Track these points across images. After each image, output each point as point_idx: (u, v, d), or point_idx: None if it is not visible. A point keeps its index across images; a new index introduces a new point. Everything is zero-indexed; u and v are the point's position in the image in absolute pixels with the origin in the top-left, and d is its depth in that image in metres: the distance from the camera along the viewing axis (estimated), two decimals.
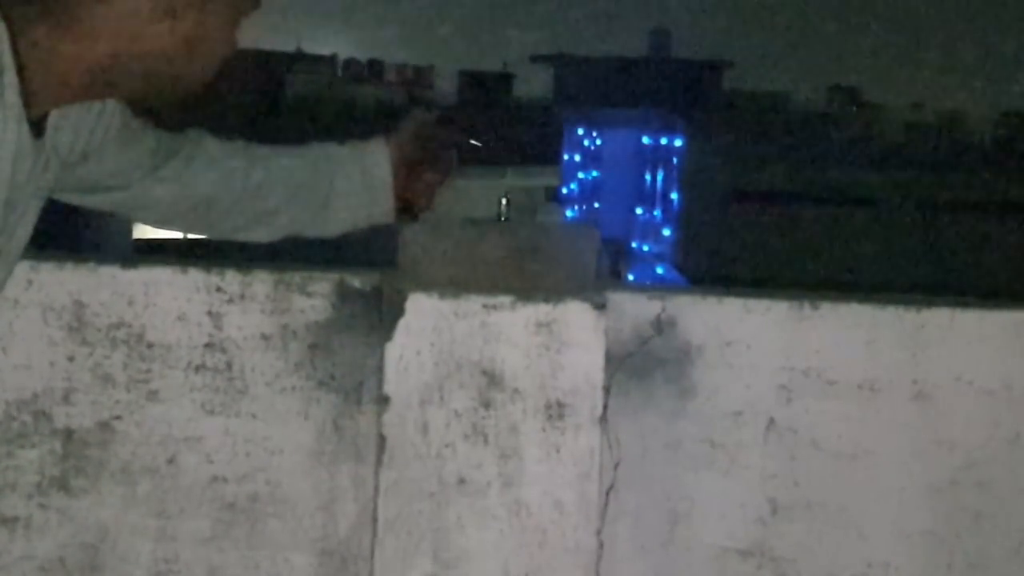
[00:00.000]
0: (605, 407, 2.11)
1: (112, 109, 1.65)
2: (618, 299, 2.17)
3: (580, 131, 33.08)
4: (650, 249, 28.93)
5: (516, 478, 2.07)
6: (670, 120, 29.47)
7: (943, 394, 2.21)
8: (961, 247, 25.24)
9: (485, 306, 2.07)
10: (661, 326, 2.20)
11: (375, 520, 2.10)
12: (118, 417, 2.19)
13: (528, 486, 2.08)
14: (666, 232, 28.28)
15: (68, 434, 2.19)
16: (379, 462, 2.08)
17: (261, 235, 1.99)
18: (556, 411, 2.07)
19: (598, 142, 32.15)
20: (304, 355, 2.20)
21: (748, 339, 2.20)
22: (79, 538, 2.21)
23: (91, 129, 1.62)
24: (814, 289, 2.37)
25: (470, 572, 2.08)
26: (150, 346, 2.19)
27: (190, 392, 2.19)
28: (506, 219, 2.25)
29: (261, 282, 2.19)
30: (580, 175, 33.11)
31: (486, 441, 2.07)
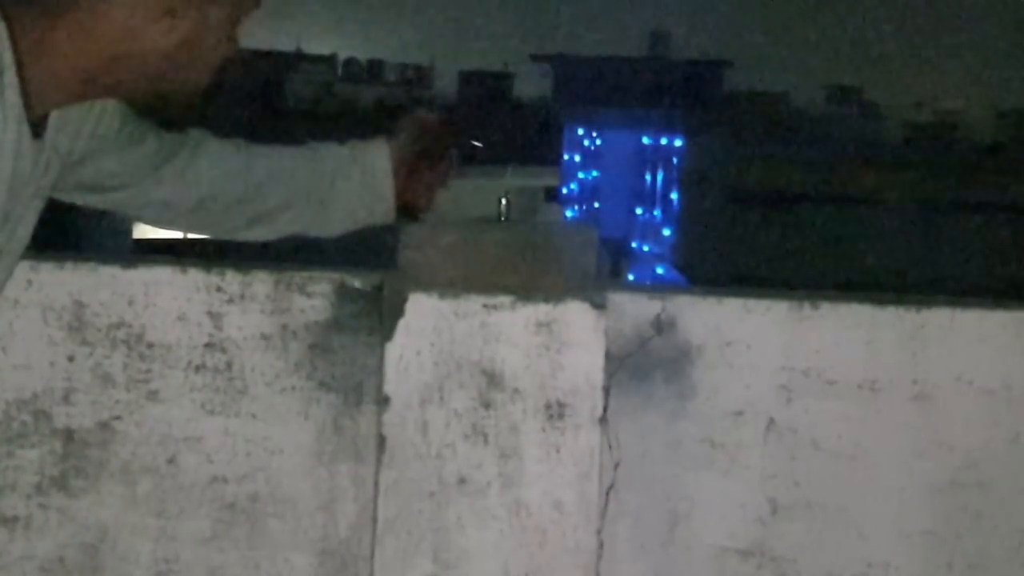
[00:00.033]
0: (605, 407, 2.11)
1: (113, 109, 1.65)
2: (618, 299, 2.17)
3: (580, 131, 33.09)
4: (650, 249, 28.93)
5: (516, 478, 2.07)
6: (670, 120, 29.47)
7: (943, 394, 2.21)
8: (961, 247, 25.24)
9: (485, 306, 2.07)
10: (661, 326, 2.20)
11: (375, 520, 2.10)
12: (118, 417, 2.19)
13: (528, 486, 2.08)
14: (666, 232, 28.28)
15: (68, 434, 2.19)
16: (379, 462, 2.08)
17: (261, 235, 1.99)
18: (556, 411, 2.07)
19: (598, 142, 32.16)
20: (304, 355, 2.20)
21: (748, 339, 2.20)
22: (79, 538, 2.21)
23: (92, 129, 1.62)
24: (814, 289, 2.37)
25: (470, 572, 2.09)
26: (150, 346, 2.19)
27: (190, 392, 2.19)
28: (506, 219, 2.24)
29: (261, 282, 2.19)
30: (580, 175, 33.12)
31: (486, 441, 2.07)
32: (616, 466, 2.19)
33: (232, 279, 2.19)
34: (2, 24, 1.41)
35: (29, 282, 2.16)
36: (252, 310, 2.19)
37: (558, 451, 2.07)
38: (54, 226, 1.88)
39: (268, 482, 2.21)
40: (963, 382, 2.20)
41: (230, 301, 2.19)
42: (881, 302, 2.23)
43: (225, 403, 2.20)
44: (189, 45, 1.49)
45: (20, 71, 1.42)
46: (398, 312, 2.07)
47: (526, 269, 2.13)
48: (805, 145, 29.00)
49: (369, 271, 2.22)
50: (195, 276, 2.19)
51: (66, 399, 2.19)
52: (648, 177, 29.93)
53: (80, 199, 1.76)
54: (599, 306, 2.07)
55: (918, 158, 28.88)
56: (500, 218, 2.23)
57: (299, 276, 2.20)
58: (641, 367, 2.19)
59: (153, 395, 2.19)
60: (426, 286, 2.08)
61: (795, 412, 2.20)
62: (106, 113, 1.64)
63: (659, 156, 29.30)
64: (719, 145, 27.73)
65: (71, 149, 1.59)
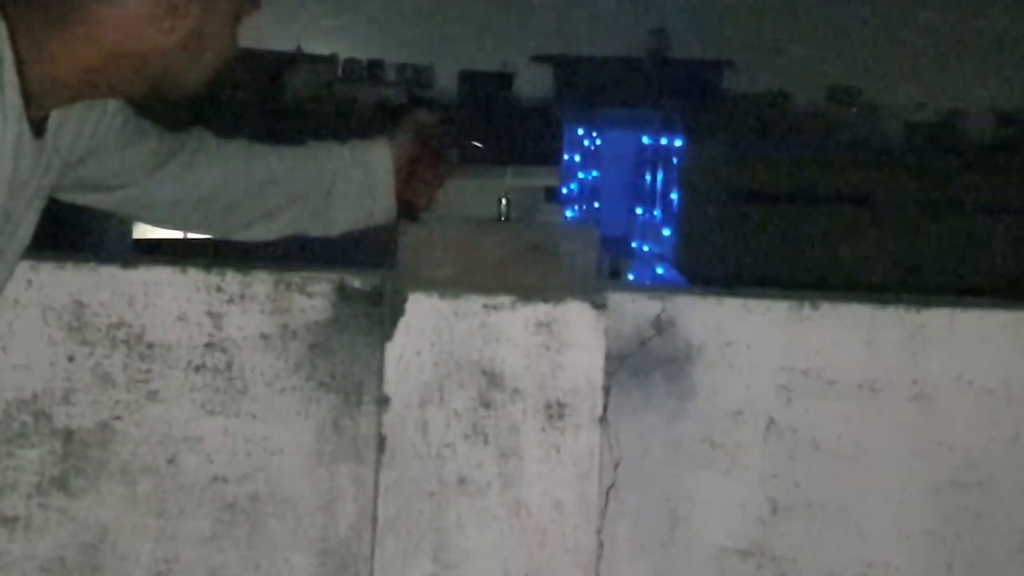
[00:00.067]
0: (605, 407, 2.11)
1: (114, 108, 1.65)
2: (618, 299, 2.17)
3: (580, 131, 33.07)
4: (650, 249, 28.91)
5: (516, 478, 2.07)
6: (670, 120, 29.46)
7: (943, 394, 2.21)
8: (960, 247, 25.23)
9: (485, 306, 2.07)
10: (661, 326, 2.20)
11: (375, 520, 2.10)
12: (118, 417, 2.19)
13: (528, 486, 2.08)
14: (666, 232, 28.27)
15: (68, 434, 2.19)
16: (379, 462, 2.08)
17: (262, 234, 2.00)
18: (556, 411, 2.07)
19: (598, 142, 32.14)
20: (304, 355, 2.20)
21: (748, 339, 2.20)
22: (79, 538, 2.21)
23: (92, 128, 1.62)
24: (814, 289, 2.37)
25: (470, 572, 2.08)
26: (150, 346, 2.19)
27: (190, 392, 2.19)
28: (506, 219, 2.24)
29: (261, 282, 2.19)
30: (580, 175, 33.10)
31: (486, 441, 2.07)
32: (616, 466, 2.19)
33: (232, 279, 2.19)
34: (2, 23, 1.41)
35: (29, 282, 2.16)
36: (252, 310, 2.19)
37: (558, 451, 2.07)
38: (54, 226, 1.88)
39: (268, 482, 2.21)
40: (963, 382, 2.20)
41: (230, 301, 2.19)
42: (881, 302, 2.23)
43: (225, 403, 2.20)
44: (190, 45, 1.49)
45: (20, 70, 1.42)
46: (398, 312, 2.07)
47: (526, 269, 2.13)
48: (805, 145, 28.99)
49: (369, 271, 2.22)
50: (195, 276, 2.19)
51: (66, 399, 2.19)
52: (648, 177, 29.91)
53: (81, 199, 1.76)
54: (599, 306, 2.07)
55: (918, 158, 28.87)
56: (500, 218, 2.23)
57: (299, 276, 2.20)
58: (641, 367, 2.19)
59: (153, 395, 2.19)
60: (426, 286, 2.08)
61: (795, 412, 2.20)
62: (107, 112, 1.64)
63: (659, 156, 29.28)
64: (719, 145, 27.72)
65: (72, 149, 1.59)
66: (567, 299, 2.06)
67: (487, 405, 2.07)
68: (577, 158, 33.46)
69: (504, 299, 2.06)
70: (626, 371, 2.19)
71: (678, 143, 28.42)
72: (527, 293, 2.07)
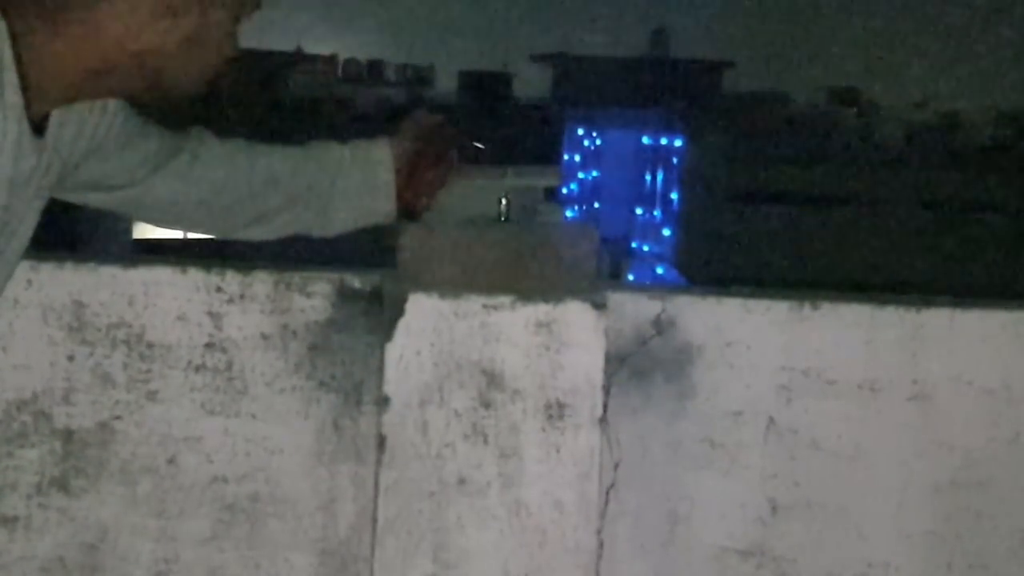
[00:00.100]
0: (605, 407, 2.11)
1: (114, 108, 1.65)
2: (618, 299, 2.17)
3: (580, 131, 33.09)
4: (650, 249, 28.92)
5: (516, 478, 2.07)
6: (670, 120, 29.47)
7: (943, 394, 2.21)
8: (960, 247, 25.24)
9: (485, 306, 2.07)
10: (661, 326, 2.20)
11: (375, 520, 2.10)
12: (118, 417, 2.19)
13: (528, 486, 2.08)
14: (666, 232, 28.28)
15: (68, 434, 2.19)
16: (379, 462, 2.08)
17: (263, 234, 2.00)
18: (556, 411, 2.07)
19: (598, 142, 32.16)
20: (304, 355, 2.20)
21: (748, 339, 2.20)
22: (79, 538, 2.21)
23: (93, 128, 1.62)
24: (814, 289, 2.37)
25: (470, 572, 2.08)
26: (150, 346, 2.19)
27: (190, 392, 2.19)
28: (506, 219, 2.24)
29: (261, 282, 2.20)
30: (580, 175, 33.11)
31: (486, 441, 2.07)
32: (616, 466, 2.19)
33: (232, 279, 2.19)
34: (2, 23, 1.41)
35: (29, 282, 2.16)
36: (252, 310, 2.19)
37: (558, 451, 2.07)
38: (54, 226, 1.88)
39: (268, 482, 2.21)
40: (963, 382, 2.20)
41: (230, 301, 2.19)
42: (881, 302, 2.23)
43: (225, 403, 2.20)
44: (190, 45, 1.49)
45: (21, 70, 1.42)
46: (398, 312, 2.07)
47: (526, 269, 2.13)
48: (805, 145, 28.99)
49: (369, 271, 2.22)
50: (195, 276, 2.19)
51: (66, 399, 2.19)
52: (648, 177, 29.92)
53: (81, 198, 1.76)
54: (599, 306, 2.07)
55: (918, 158, 28.86)
56: (500, 218, 2.23)
57: (299, 276, 2.20)
58: (641, 367, 2.19)
59: (153, 395, 2.19)
60: (426, 286, 2.08)
61: (795, 412, 2.20)
62: (107, 112, 1.64)
63: (659, 156, 29.30)
64: (719, 145, 27.73)
65: (72, 149, 1.59)
66: (567, 299, 2.06)
67: (487, 405, 2.07)
68: (577, 158, 33.47)
69: (504, 299, 2.06)
70: (626, 371, 2.19)
71: (678, 143, 28.43)
72: (527, 293, 2.07)
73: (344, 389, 2.20)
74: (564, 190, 33.31)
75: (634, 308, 2.19)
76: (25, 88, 1.43)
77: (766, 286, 2.57)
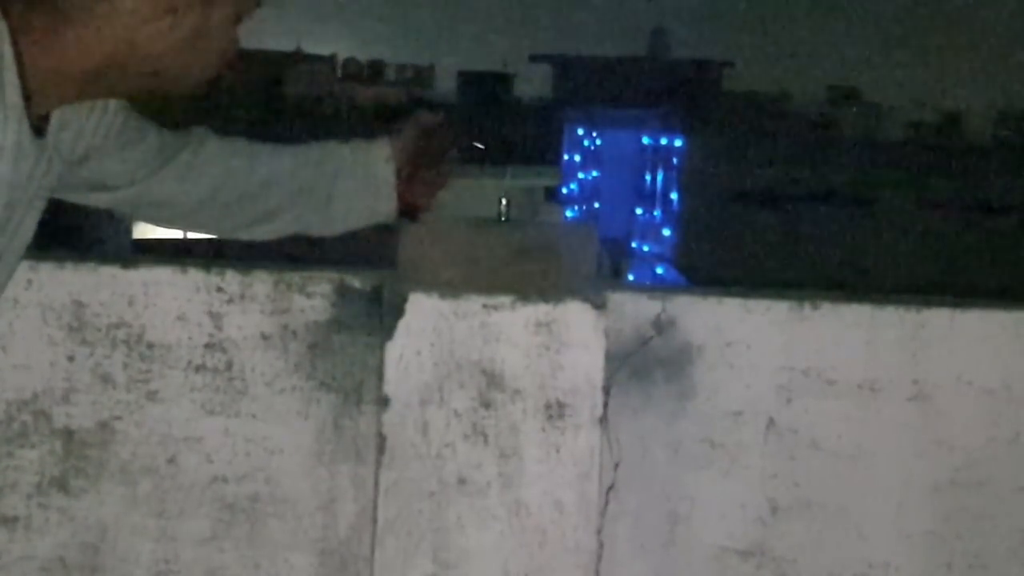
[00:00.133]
0: (605, 407, 2.11)
1: (114, 108, 1.65)
2: (618, 299, 2.17)
3: (580, 131, 33.07)
4: (650, 249, 28.91)
5: (516, 478, 2.07)
6: (670, 120, 29.45)
7: (943, 394, 2.21)
8: (961, 247, 25.23)
9: (485, 306, 2.07)
10: (661, 326, 2.20)
11: (375, 520, 2.10)
12: (118, 417, 2.19)
13: (528, 486, 2.08)
14: (666, 232, 28.26)
15: (68, 434, 2.19)
16: (379, 462, 2.08)
17: (263, 234, 2.00)
18: (556, 411, 2.07)
19: (598, 142, 32.13)
20: (304, 355, 2.20)
21: (748, 339, 2.20)
22: (79, 538, 2.21)
23: (93, 128, 1.62)
24: (814, 289, 2.37)
25: (470, 572, 2.08)
26: (150, 346, 2.19)
27: (190, 392, 2.19)
28: (506, 219, 2.24)
29: (261, 282, 2.20)
30: (580, 175, 33.09)
31: (486, 441, 2.07)
32: (616, 466, 2.19)
33: (232, 279, 2.19)
34: (3, 23, 1.41)
35: (29, 282, 2.16)
36: (252, 310, 2.19)
37: (558, 451, 2.07)
38: (54, 226, 1.88)
39: (268, 482, 2.21)
40: (963, 382, 2.20)
41: (230, 301, 2.19)
42: (881, 302, 2.23)
43: (225, 403, 2.20)
44: (191, 44, 1.49)
45: (21, 70, 1.42)
46: (398, 312, 2.07)
47: (526, 269, 2.13)
48: (805, 145, 28.98)
49: (369, 271, 2.22)
50: (195, 276, 2.19)
51: (66, 399, 2.19)
52: (648, 177, 29.90)
53: (82, 198, 1.76)
54: (599, 306, 2.07)
55: (918, 158, 28.84)
56: (500, 218, 2.23)
57: (299, 276, 2.20)
58: (641, 367, 2.19)
59: (153, 395, 2.19)
60: (426, 286, 2.08)
61: (795, 412, 2.20)
62: (108, 112, 1.64)
63: (659, 156, 29.27)
64: (719, 145, 27.71)
65: (73, 148, 1.59)
66: (567, 299, 2.06)
67: (487, 405, 2.07)
68: (577, 158, 33.45)
69: (504, 299, 2.06)
70: (626, 371, 2.19)
71: (678, 143, 28.41)
72: (527, 293, 2.07)
73: (344, 389, 2.20)
74: (564, 190, 33.28)
75: (634, 308, 2.19)
76: (25, 88, 1.43)
77: (766, 286, 2.57)
